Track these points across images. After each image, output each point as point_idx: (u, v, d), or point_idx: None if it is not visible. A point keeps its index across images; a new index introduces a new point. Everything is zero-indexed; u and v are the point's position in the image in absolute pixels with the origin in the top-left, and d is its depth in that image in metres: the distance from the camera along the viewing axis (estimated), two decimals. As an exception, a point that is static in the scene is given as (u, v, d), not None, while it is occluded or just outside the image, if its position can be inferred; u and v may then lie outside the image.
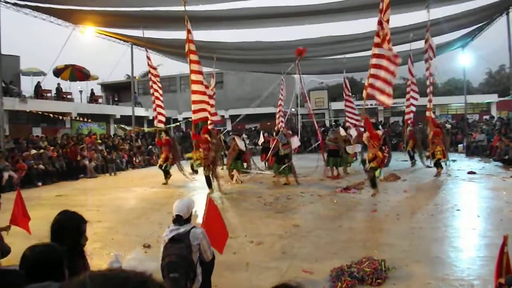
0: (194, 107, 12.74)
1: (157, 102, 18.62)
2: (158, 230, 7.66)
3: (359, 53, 22.78)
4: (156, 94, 18.73)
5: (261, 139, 19.87)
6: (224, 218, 9.25)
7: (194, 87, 12.72)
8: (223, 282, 5.31)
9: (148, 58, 19.30)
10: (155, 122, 18.48)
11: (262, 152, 19.53)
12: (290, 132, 19.30)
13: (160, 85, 18.94)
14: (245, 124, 37.88)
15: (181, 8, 12.97)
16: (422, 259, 6.07)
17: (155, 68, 18.86)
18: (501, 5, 18.09)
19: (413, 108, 19.24)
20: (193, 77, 12.68)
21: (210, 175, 12.85)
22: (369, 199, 11.10)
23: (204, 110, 12.95)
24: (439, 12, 16.60)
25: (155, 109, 18.54)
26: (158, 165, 16.56)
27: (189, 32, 12.71)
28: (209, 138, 12.90)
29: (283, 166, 14.05)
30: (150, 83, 18.88)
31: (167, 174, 15.77)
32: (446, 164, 15.39)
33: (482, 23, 20.87)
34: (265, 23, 18.22)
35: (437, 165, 14.80)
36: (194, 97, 12.75)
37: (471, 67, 31.73)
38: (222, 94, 37.77)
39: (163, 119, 18.62)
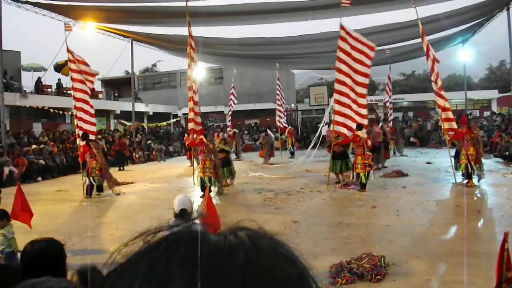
0: (190, 115, 12.53)
1: (79, 111, 13.57)
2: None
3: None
4: (79, 95, 13.69)
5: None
6: (223, 214, 9.30)
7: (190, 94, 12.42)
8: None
9: (70, 52, 14.10)
10: (78, 140, 13.65)
11: None
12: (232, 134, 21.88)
13: (87, 88, 13.92)
14: (244, 119, 37.90)
15: (182, 3, 12.84)
16: (421, 255, 6.08)
17: (84, 63, 14.28)
18: (502, 1, 18.07)
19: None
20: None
21: (213, 178, 12.03)
22: (369, 195, 11.09)
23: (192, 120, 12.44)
24: (438, 8, 16.54)
25: (79, 118, 13.55)
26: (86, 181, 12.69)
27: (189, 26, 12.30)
28: (205, 140, 12.22)
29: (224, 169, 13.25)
30: (72, 83, 14.03)
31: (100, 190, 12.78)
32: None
33: (482, 19, 20.85)
34: (268, 18, 18.15)
35: (469, 175, 11.68)
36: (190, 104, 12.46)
37: (471, 63, 31.66)
38: (222, 90, 37.76)
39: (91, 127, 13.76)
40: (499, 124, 24.59)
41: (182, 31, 19.14)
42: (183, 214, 4.29)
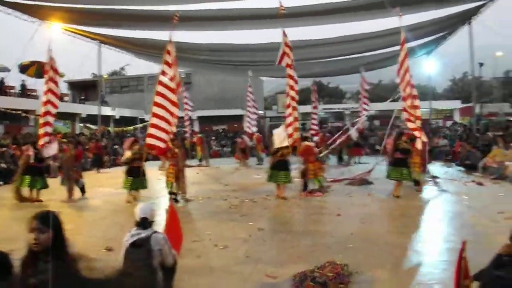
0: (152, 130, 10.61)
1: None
2: (121, 233, 7.48)
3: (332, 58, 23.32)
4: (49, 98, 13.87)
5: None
6: (189, 221, 9.25)
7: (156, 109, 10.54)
8: (184, 287, 5.20)
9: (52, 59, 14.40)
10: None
11: None
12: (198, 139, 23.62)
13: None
14: (212, 126, 37.81)
15: (156, 7, 12.52)
16: (385, 263, 6.16)
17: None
18: (464, 15, 18.63)
19: (364, 118, 21.61)
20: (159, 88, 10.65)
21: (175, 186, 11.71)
22: (334, 203, 11.18)
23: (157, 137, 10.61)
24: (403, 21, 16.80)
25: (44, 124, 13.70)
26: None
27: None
28: (170, 145, 11.26)
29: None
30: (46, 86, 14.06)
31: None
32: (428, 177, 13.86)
33: (446, 32, 21.40)
34: (240, 25, 18.14)
35: (416, 181, 12.65)
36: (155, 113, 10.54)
37: (435, 74, 32.47)
38: (190, 95, 37.63)
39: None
40: (461, 134, 25.26)
41: (152, 35, 19.04)
42: (144, 223, 4.25)
